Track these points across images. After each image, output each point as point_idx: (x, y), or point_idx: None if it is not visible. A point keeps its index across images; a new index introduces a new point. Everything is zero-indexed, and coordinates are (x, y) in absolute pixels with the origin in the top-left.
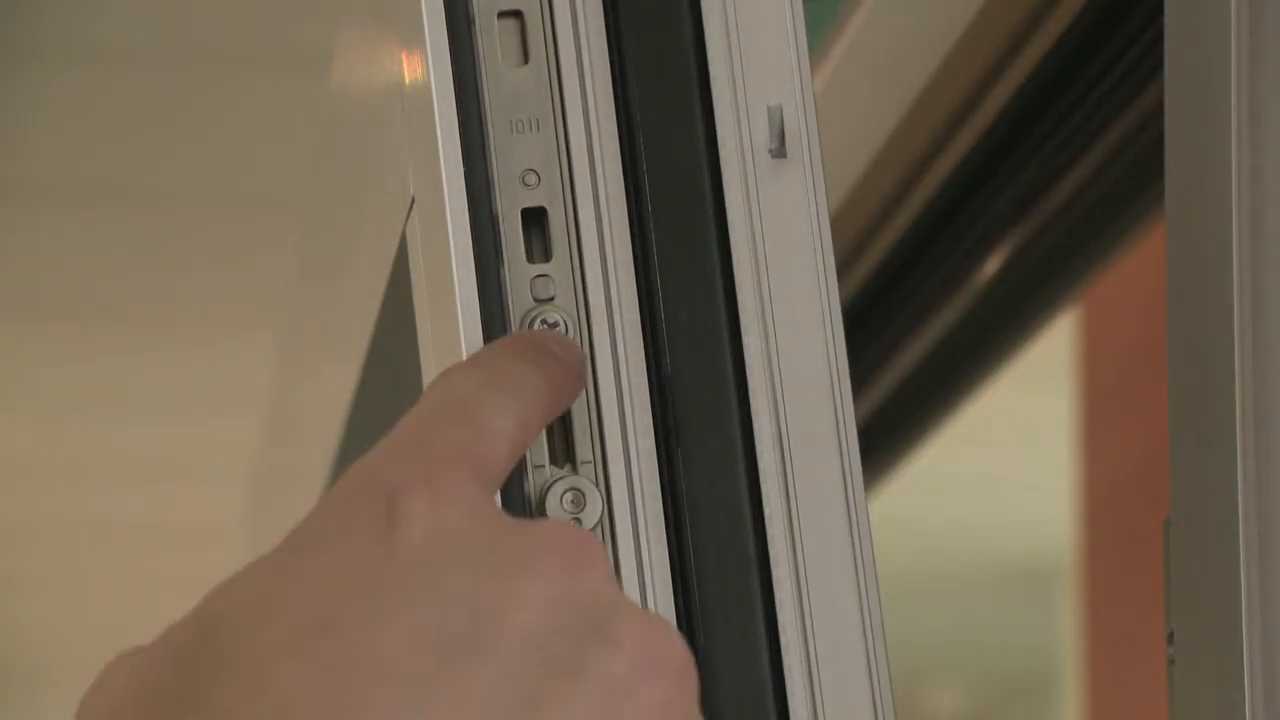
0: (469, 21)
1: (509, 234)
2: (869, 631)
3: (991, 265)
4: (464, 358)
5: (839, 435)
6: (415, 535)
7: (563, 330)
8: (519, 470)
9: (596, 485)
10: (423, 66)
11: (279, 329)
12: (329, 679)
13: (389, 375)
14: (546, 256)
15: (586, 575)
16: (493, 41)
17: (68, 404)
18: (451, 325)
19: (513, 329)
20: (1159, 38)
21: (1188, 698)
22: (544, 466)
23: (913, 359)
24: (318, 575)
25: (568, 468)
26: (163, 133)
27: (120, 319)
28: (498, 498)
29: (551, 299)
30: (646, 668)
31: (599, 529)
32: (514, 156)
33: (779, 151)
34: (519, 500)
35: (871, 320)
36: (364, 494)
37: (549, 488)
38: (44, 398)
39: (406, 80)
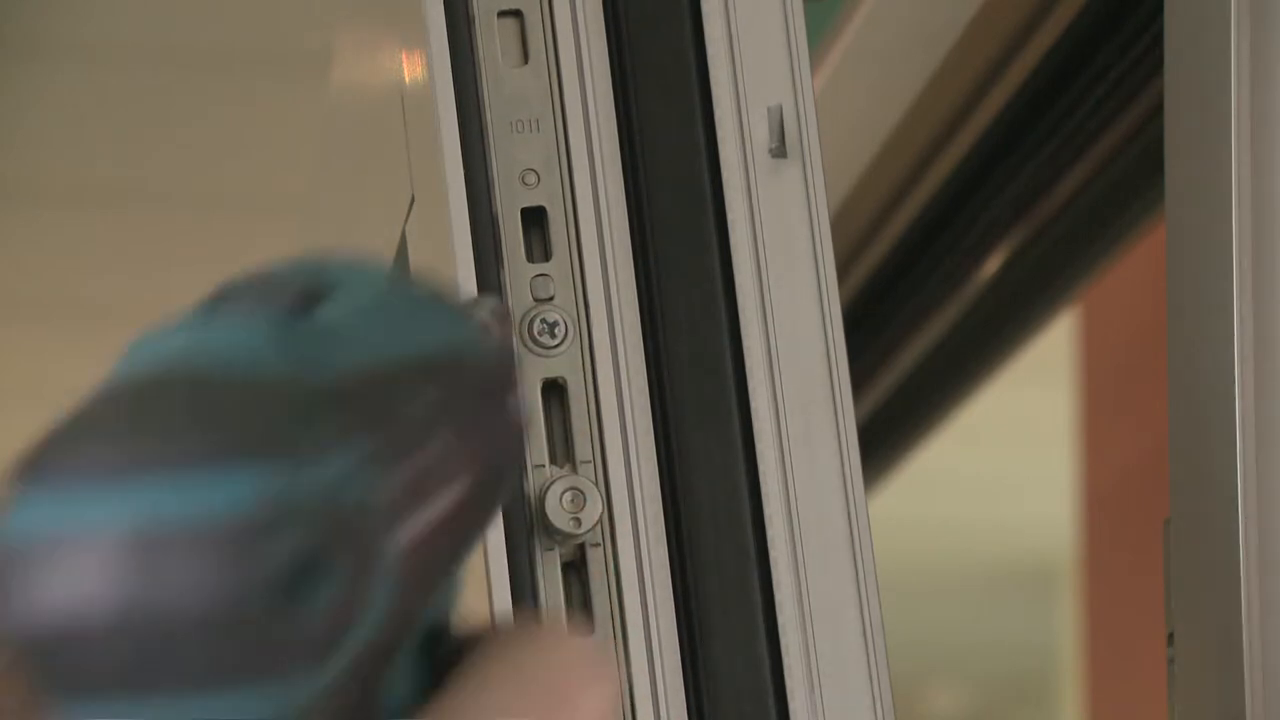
0: (469, 21)
1: (509, 234)
2: (869, 631)
3: (991, 265)
4: None
5: (839, 435)
6: None
7: (562, 330)
8: (519, 470)
9: (596, 485)
10: (423, 66)
11: None
12: None
13: None
14: (546, 256)
15: None
16: (493, 41)
17: (67, 404)
18: None
19: (513, 328)
20: (1159, 38)
21: (1188, 698)
22: (544, 466)
23: (913, 359)
24: None
25: (567, 467)
26: (162, 132)
27: (120, 319)
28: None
29: (551, 299)
30: None
31: (599, 528)
32: (514, 156)
33: (779, 151)
34: (518, 499)
35: (871, 320)
36: None
37: (548, 487)
38: (44, 398)
39: (407, 80)
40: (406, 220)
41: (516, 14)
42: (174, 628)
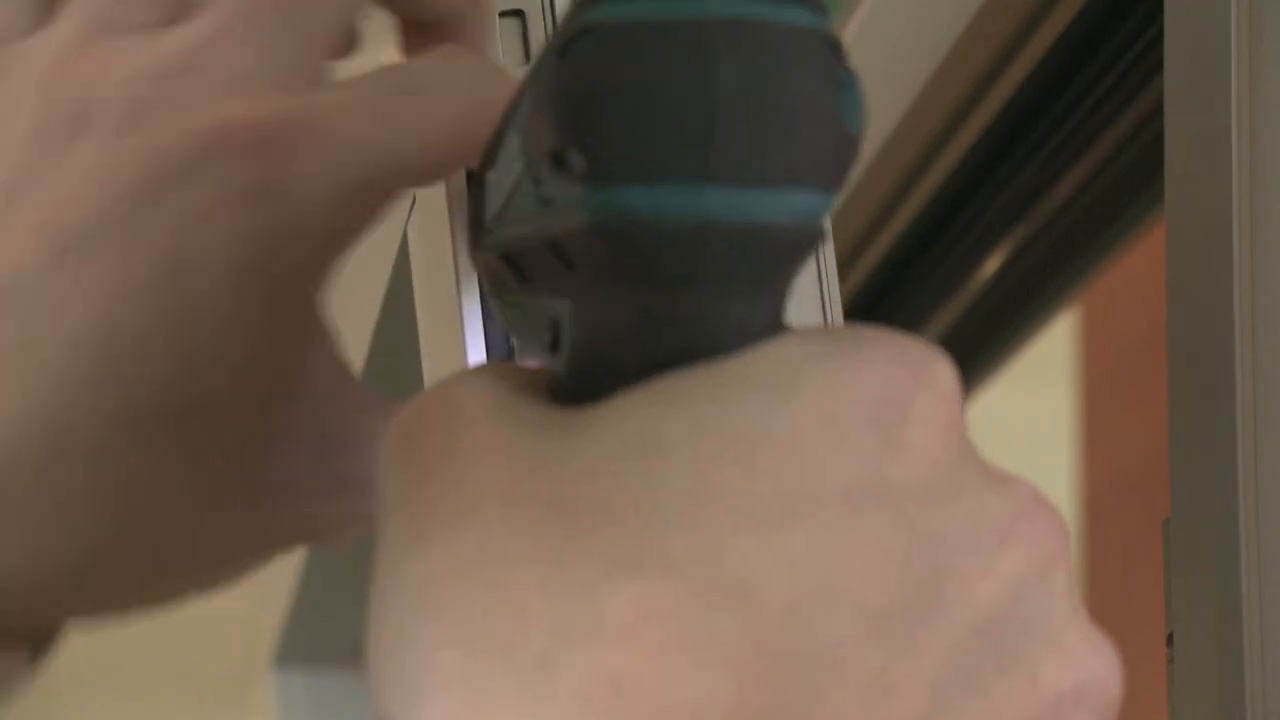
0: None
1: None
2: None
3: (991, 265)
4: (466, 359)
5: None
6: (921, 446)
7: None
8: None
9: None
10: None
11: None
12: (793, 560)
13: (389, 375)
14: None
15: (1055, 571)
16: (494, 41)
17: None
18: (454, 325)
19: None
20: (1159, 38)
21: (1188, 698)
22: None
23: None
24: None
25: None
26: None
27: None
28: None
29: None
30: (1089, 693)
31: None
32: None
33: None
34: None
35: (872, 320)
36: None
37: None
38: None
39: None
40: (407, 220)
41: (518, 14)
42: (786, 111)
